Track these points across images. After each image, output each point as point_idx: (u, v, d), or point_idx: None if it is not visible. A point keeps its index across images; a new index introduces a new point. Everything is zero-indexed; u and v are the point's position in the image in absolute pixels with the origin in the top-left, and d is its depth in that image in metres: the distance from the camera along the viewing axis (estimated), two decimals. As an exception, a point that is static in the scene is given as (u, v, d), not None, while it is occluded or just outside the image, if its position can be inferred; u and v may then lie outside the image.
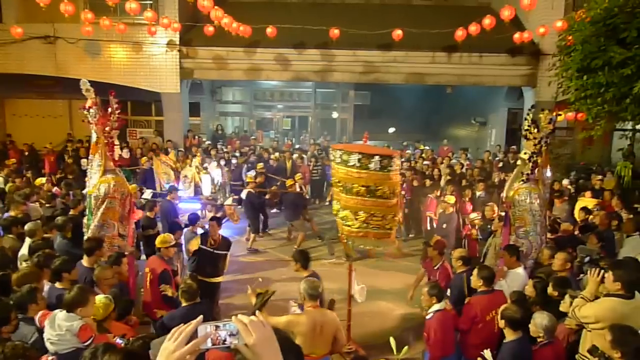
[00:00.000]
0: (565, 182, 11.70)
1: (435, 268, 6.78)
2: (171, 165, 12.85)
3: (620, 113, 8.91)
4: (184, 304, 4.85)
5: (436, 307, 4.89)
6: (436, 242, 6.87)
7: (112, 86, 15.12)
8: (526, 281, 5.71)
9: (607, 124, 9.63)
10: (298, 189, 11.69)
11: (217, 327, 1.39)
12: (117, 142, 6.48)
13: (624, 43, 8.23)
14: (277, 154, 14.83)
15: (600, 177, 11.92)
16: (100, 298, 4.45)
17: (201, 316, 1.42)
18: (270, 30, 14.27)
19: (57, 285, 5.00)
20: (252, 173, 12.75)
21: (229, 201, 11.48)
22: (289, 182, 11.49)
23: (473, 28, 13.20)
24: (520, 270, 5.92)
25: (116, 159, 6.42)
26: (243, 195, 11.23)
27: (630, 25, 8.03)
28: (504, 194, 6.73)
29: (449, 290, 5.86)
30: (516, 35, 13.79)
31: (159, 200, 9.69)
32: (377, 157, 5.50)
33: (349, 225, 5.72)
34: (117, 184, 6.26)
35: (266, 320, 1.42)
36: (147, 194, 10.64)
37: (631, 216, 7.89)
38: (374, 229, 5.66)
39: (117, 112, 6.30)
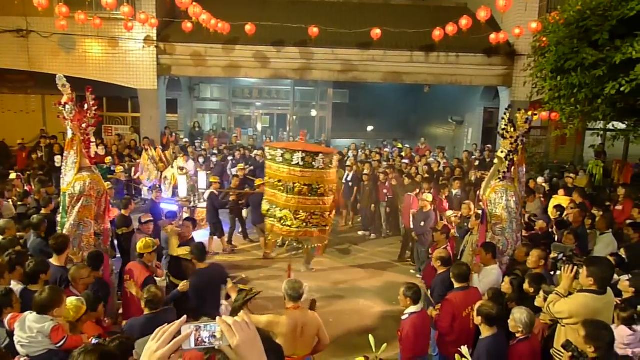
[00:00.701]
0: (540, 180, 11.92)
1: (442, 247, 7.09)
2: (157, 163, 12.67)
3: (592, 113, 9.11)
4: (146, 312, 4.68)
5: (412, 309, 4.90)
6: (443, 227, 7.44)
7: (88, 82, 14.97)
8: (500, 278, 5.79)
9: (579, 123, 9.83)
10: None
11: (200, 327, 1.36)
12: (93, 139, 6.35)
13: (596, 45, 8.40)
14: (261, 151, 14.66)
15: (573, 175, 12.17)
16: (71, 300, 4.32)
17: (185, 317, 1.40)
18: (249, 28, 14.17)
19: (31, 287, 4.77)
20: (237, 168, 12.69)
21: (202, 204, 11.36)
22: (257, 181, 10.83)
23: (450, 28, 13.32)
24: (494, 267, 5.99)
25: (92, 156, 6.29)
26: (205, 196, 11.03)
27: (602, 28, 8.21)
28: (481, 192, 6.81)
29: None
30: (492, 36, 13.97)
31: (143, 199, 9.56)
32: (320, 155, 5.57)
33: (288, 225, 5.73)
34: (93, 181, 6.15)
35: (250, 321, 1.40)
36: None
37: (602, 213, 8.07)
38: (313, 228, 5.78)
39: (93, 108, 6.17)
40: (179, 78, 17.89)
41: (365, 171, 12.16)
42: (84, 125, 6.06)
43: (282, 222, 5.75)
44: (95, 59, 15.04)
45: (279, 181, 5.70)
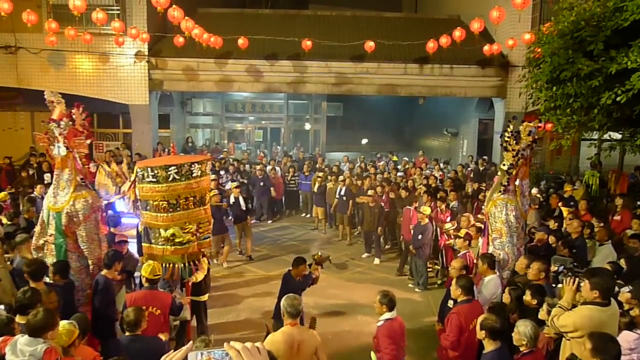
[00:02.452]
0: (534, 191, 11.97)
1: (459, 255, 7.19)
2: (113, 177, 12.50)
3: (588, 123, 9.18)
4: (126, 333, 4.61)
5: (387, 315, 4.98)
6: (465, 234, 7.57)
7: (78, 98, 14.89)
8: (499, 289, 5.80)
9: (575, 133, 9.91)
10: (233, 200, 11.44)
11: (208, 353, 1.34)
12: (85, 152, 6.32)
13: (591, 55, 8.50)
14: (260, 166, 14.60)
15: (571, 186, 12.24)
16: (63, 324, 4.24)
17: (191, 342, 1.37)
18: (241, 42, 14.25)
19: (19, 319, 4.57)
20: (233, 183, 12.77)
21: None
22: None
23: (444, 40, 13.47)
24: (493, 277, 5.99)
25: (90, 172, 6.29)
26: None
27: (597, 39, 8.31)
28: (484, 205, 6.83)
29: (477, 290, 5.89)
30: (486, 48, 14.13)
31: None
32: (197, 164, 5.70)
33: (179, 243, 5.74)
34: (95, 199, 6.14)
35: (263, 346, 1.36)
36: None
37: (602, 225, 8.10)
38: (204, 239, 5.95)
39: (86, 124, 6.16)
40: (171, 93, 17.89)
41: (370, 192, 11.30)
42: (77, 141, 6.03)
43: (170, 241, 5.75)
44: (85, 74, 15.04)
45: (162, 201, 5.68)
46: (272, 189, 14.34)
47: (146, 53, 15.08)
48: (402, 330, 5.07)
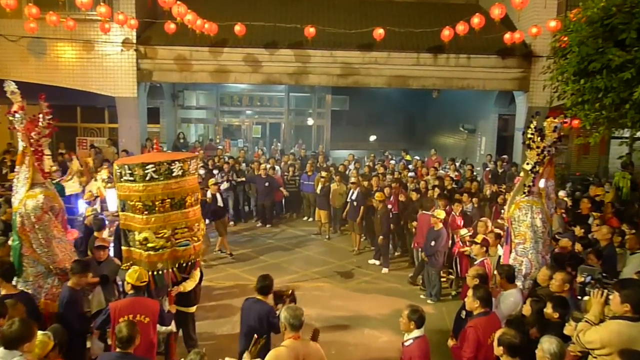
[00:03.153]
0: (561, 193, 11.93)
1: (475, 263, 7.18)
2: (79, 176, 12.47)
3: (619, 119, 9.14)
4: (118, 349, 4.57)
5: (416, 333, 4.90)
6: (483, 240, 7.60)
7: (60, 90, 15.04)
8: (519, 303, 5.78)
9: (605, 130, 9.86)
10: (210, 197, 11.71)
11: None
12: (47, 151, 6.31)
13: (623, 45, 8.45)
14: (265, 164, 14.64)
15: (600, 188, 12.20)
16: (37, 335, 4.26)
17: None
18: (238, 29, 14.26)
19: None
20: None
21: None
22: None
23: (461, 27, 13.45)
24: (513, 291, 5.98)
25: (46, 170, 6.25)
26: None
27: (629, 26, 8.26)
28: (505, 209, 6.81)
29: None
30: (507, 36, 14.09)
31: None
32: (177, 163, 5.69)
33: (152, 248, 5.74)
34: (47, 198, 6.09)
35: None
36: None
37: (634, 231, 8.07)
38: (183, 245, 5.92)
39: (47, 117, 6.14)
40: (161, 84, 17.95)
41: (377, 195, 11.31)
42: (34, 135, 6.03)
43: (143, 246, 5.76)
44: (68, 64, 15.09)
45: (138, 201, 5.69)
46: (281, 188, 14.43)
47: (134, 41, 15.10)
48: (429, 351, 5.05)
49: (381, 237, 11.09)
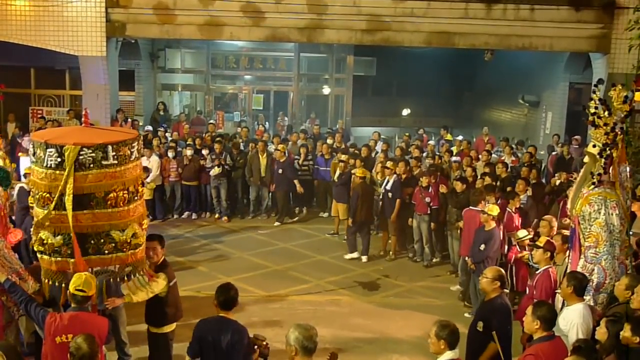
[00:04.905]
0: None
1: (537, 272, 7.21)
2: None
3: None
4: None
5: (448, 355, 4.90)
6: (547, 242, 7.52)
7: (9, 47, 15.14)
8: (584, 322, 5.78)
9: None
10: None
11: None
12: None
13: None
14: (281, 145, 14.79)
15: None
16: None
17: None
18: (236, -31, 14.25)
19: None
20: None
21: None
22: None
23: (522, -31, 13.32)
24: (578, 306, 5.96)
25: None
26: None
27: None
28: (569, 205, 6.77)
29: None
30: (582, -19, 13.96)
31: None
32: (87, 150, 5.47)
33: (56, 252, 5.65)
34: None
35: None
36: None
37: None
38: (107, 254, 5.75)
39: None
40: (136, 41, 17.98)
41: (358, 173, 12.37)
42: None
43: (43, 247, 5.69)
44: (18, 14, 15.13)
45: (40, 192, 5.62)
46: (296, 181, 14.49)
47: (103, -16, 15.17)
48: None
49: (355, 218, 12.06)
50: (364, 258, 12.30)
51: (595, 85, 6.74)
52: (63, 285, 5.73)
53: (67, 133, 6.02)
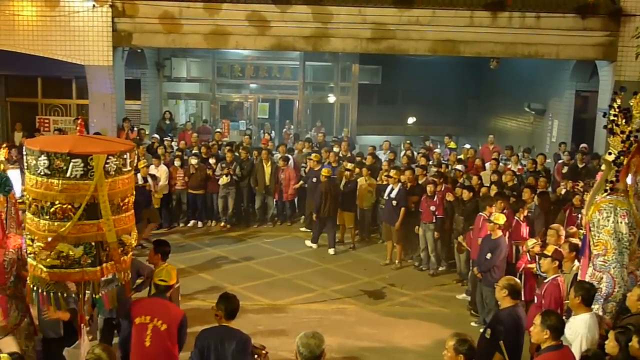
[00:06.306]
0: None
1: (545, 281, 7.18)
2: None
3: None
4: None
5: None
6: (555, 251, 7.48)
7: (17, 57, 15.22)
8: (589, 332, 5.76)
9: None
10: (141, 182, 12.40)
11: None
12: None
13: None
14: (315, 154, 14.69)
15: None
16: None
17: None
18: (241, -22, 14.29)
19: None
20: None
21: None
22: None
23: (528, -23, 13.31)
24: (584, 316, 5.93)
25: None
26: None
27: None
28: (584, 211, 6.74)
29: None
30: (588, -12, 13.95)
31: None
32: (78, 160, 5.33)
33: (52, 266, 5.58)
34: None
35: None
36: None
37: None
38: (88, 266, 5.54)
39: None
40: (142, 50, 18.04)
41: (324, 173, 13.01)
42: None
43: (35, 258, 5.56)
44: (26, 24, 15.21)
45: (28, 195, 5.56)
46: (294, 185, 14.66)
47: (109, -6, 15.23)
48: None
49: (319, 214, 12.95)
50: (331, 251, 13.11)
51: (616, 93, 6.72)
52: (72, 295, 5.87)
53: (63, 141, 5.96)
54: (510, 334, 6.04)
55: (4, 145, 12.79)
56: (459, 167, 14.43)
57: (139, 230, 11.07)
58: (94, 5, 15.20)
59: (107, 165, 5.34)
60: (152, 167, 13.36)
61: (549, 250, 7.83)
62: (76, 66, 15.68)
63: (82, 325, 5.83)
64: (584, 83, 17.74)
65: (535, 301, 7.64)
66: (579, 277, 6.91)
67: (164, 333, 5.78)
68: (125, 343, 6.08)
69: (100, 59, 15.54)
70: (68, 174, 5.25)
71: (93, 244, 5.38)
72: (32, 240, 5.49)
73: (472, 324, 9.73)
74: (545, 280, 7.47)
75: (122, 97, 16.74)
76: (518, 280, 6.66)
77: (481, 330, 9.28)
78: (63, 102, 18.16)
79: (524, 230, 10.06)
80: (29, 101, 17.91)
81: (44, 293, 5.56)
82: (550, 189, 13.12)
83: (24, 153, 5.57)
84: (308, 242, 13.46)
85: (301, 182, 14.66)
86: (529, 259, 9.15)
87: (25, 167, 5.53)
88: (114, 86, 15.89)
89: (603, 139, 15.38)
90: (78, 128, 6.04)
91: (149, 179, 12.93)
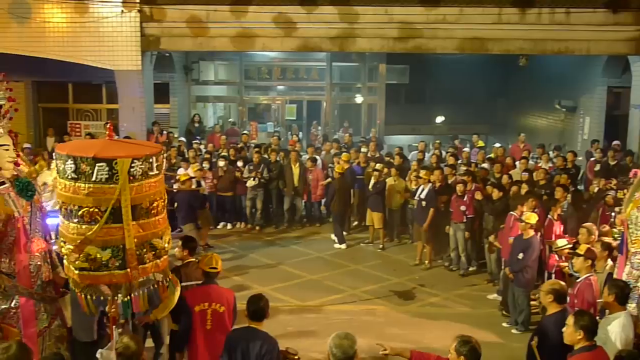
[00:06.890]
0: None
1: (578, 281, 7.12)
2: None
3: None
4: None
5: None
6: (588, 250, 7.34)
7: (48, 63, 15.43)
8: (624, 332, 5.70)
9: None
10: (195, 186, 12.61)
11: None
12: (8, 141, 6.44)
13: None
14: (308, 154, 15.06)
15: None
16: None
17: None
18: (267, -19, 14.35)
19: None
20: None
21: None
22: (182, 176, 12.39)
23: (557, -27, 13.18)
24: (620, 315, 5.86)
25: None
26: None
27: None
28: (621, 209, 6.67)
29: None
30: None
31: None
32: (104, 164, 5.33)
33: (84, 268, 5.59)
34: None
35: None
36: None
37: None
38: (116, 269, 5.55)
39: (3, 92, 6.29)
40: (170, 54, 18.20)
41: (337, 169, 13.38)
42: None
43: (68, 261, 5.65)
44: (57, 31, 15.45)
45: (60, 200, 5.62)
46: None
47: (138, 0, 15.38)
48: None
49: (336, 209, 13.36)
50: (343, 245, 13.46)
51: None
52: (102, 298, 5.81)
53: (90, 146, 6.06)
54: (558, 341, 5.93)
55: (39, 157, 13.08)
56: (485, 165, 14.35)
57: (198, 234, 11.73)
58: (122, 11, 15.39)
59: (132, 169, 5.35)
60: (180, 169, 13.42)
61: (582, 249, 7.72)
62: (106, 71, 15.89)
63: (114, 327, 5.90)
64: (616, 79, 17.49)
65: (568, 301, 7.56)
66: (615, 276, 6.81)
67: (222, 315, 6.45)
68: (186, 331, 6.51)
69: (129, 63, 15.72)
70: (93, 178, 5.28)
71: (120, 246, 5.42)
72: (64, 243, 5.59)
73: (504, 324, 9.64)
74: (578, 280, 7.38)
75: (151, 101, 16.92)
76: (563, 283, 6.53)
77: (513, 331, 9.31)
78: (94, 106, 18.40)
79: (558, 228, 9.94)
80: (60, 106, 18.19)
81: (81, 295, 5.70)
82: (582, 187, 12.97)
83: (54, 157, 5.68)
84: (336, 245, 13.47)
85: (329, 178, 14.64)
86: (557, 258, 9.07)
87: (56, 171, 5.64)
88: (143, 90, 16.08)
89: (636, 135, 15.21)
90: (107, 132, 6.08)
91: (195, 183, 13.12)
